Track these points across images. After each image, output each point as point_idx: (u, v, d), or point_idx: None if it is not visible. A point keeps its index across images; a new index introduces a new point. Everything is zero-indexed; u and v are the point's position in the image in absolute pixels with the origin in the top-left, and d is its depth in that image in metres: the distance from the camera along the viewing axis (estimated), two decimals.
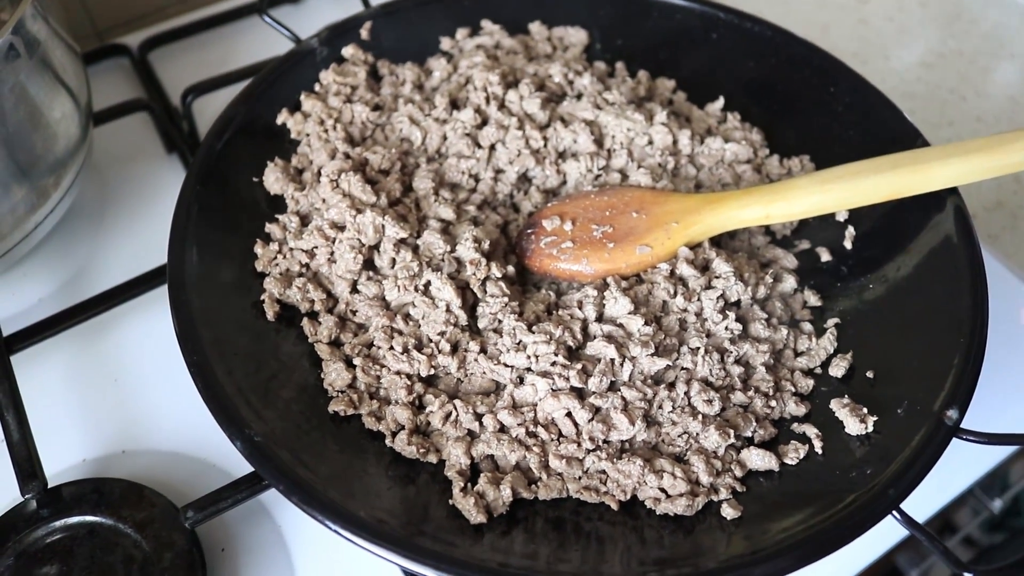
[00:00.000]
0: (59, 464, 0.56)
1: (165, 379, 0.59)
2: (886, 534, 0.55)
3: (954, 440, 0.46)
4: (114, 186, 0.73)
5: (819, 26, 0.97)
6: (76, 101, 0.64)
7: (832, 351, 0.54)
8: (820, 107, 0.65)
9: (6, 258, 0.61)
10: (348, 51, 0.66)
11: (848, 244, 0.59)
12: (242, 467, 0.51)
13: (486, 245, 0.54)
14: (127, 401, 0.59)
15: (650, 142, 0.62)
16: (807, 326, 0.56)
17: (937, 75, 0.91)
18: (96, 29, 0.94)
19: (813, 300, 0.57)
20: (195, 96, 0.74)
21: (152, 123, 0.77)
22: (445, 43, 0.69)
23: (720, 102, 0.67)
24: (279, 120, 0.63)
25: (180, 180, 0.71)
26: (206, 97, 0.76)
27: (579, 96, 0.64)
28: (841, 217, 0.60)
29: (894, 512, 0.44)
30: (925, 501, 0.57)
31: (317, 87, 0.65)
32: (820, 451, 0.49)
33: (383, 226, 0.54)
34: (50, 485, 0.52)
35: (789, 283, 0.57)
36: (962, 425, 0.47)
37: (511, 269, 0.55)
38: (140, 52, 0.83)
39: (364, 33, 0.67)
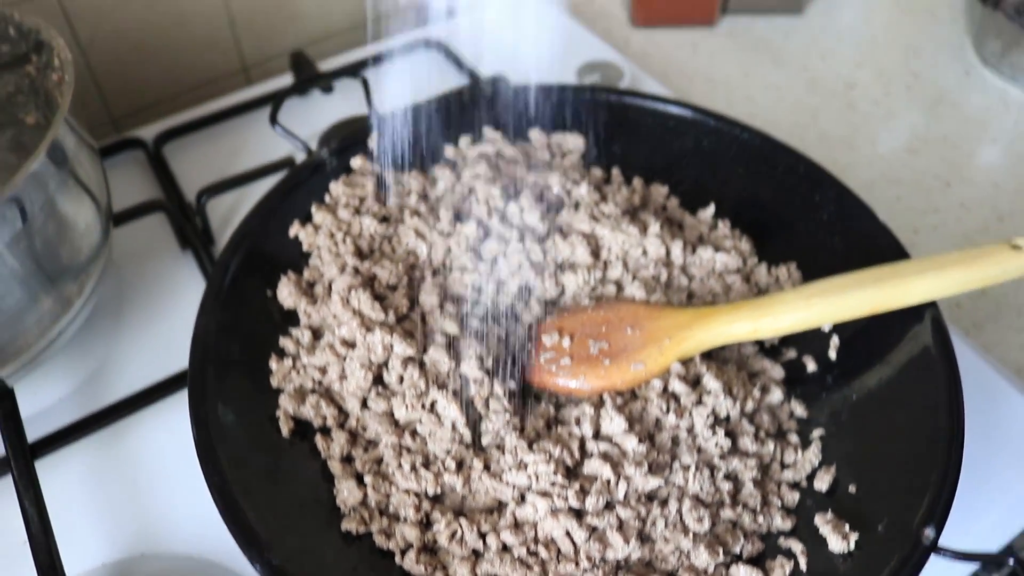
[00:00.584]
0: (78, 567, 0.58)
1: (183, 482, 0.62)
2: None
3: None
4: (130, 283, 0.76)
5: (809, 111, 1.00)
6: (98, 205, 0.66)
7: (817, 464, 0.57)
8: (806, 214, 0.67)
9: (30, 365, 0.63)
10: (356, 163, 0.69)
11: (833, 354, 0.62)
12: None
13: (489, 362, 0.57)
14: (146, 504, 0.62)
15: (644, 253, 0.65)
16: (794, 437, 0.59)
17: (923, 161, 0.94)
18: (112, 117, 0.97)
19: (799, 411, 0.60)
20: (209, 197, 0.77)
21: (167, 220, 0.80)
22: (448, 151, 0.72)
23: (711, 209, 0.70)
24: (291, 233, 0.66)
25: (194, 276, 0.75)
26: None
27: (577, 205, 0.68)
28: (826, 327, 0.63)
29: None
30: None
31: (327, 198, 0.68)
32: (805, 568, 0.51)
33: (391, 344, 0.57)
34: None
35: (776, 395, 0.60)
36: (941, 539, 0.49)
37: (512, 384, 0.58)
38: (155, 146, 0.87)
39: (371, 143, 0.70)
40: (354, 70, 0.91)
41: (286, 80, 0.95)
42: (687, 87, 1.03)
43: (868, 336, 0.61)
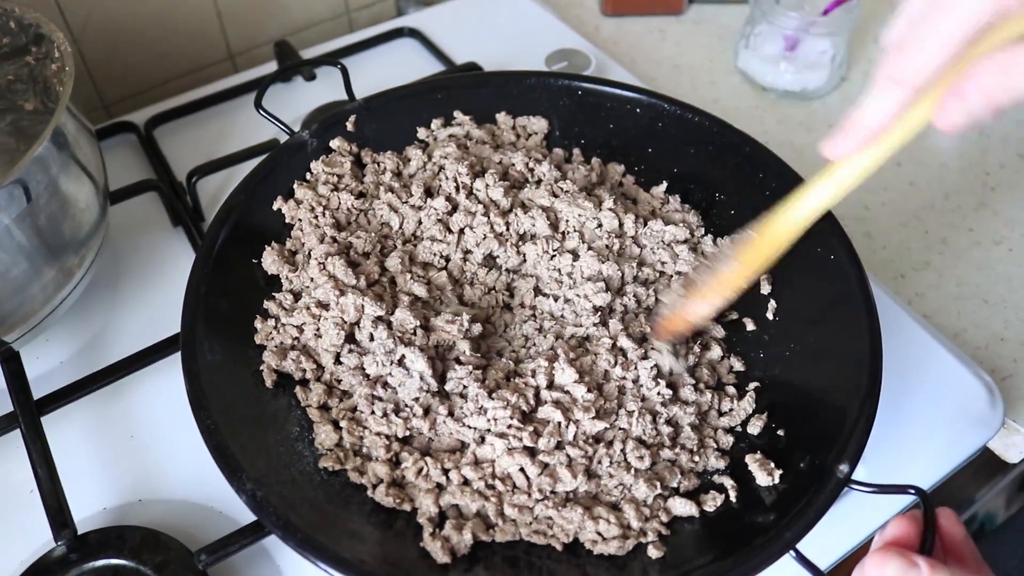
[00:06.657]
0: (82, 512, 0.64)
1: (176, 435, 0.68)
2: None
3: (855, 492, 0.55)
4: (125, 256, 0.82)
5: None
6: (96, 185, 0.71)
7: (751, 411, 0.63)
8: (750, 190, 0.73)
9: (34, 330, 0.69)
10: (335, 143, 0.75)
11: (770, 315, 0.68)
12: (246, 514, 0.59)
13: (465, 320, 0.63)
14: (142, 455, 0.68)
15: (599, 225, 0.70)
16: (731, 389, 0.64)
17: None
18: (104, 103, 1.02)
19: (738, 365, 0.66)
20: (198, 177, 0.83)
21: (159, 199, 0.85)
22: (421, 132, 0.78)
23: (663, 185, 0.76)
24: (275, 206, 0.71)
25: (185, 250, 0.80)
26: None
27: (539, 182, 0.73)
28: (765, 291, 0.69)
29: (792, 552, 0.52)
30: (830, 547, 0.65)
31: (308, 176, 0.74)
32: (735, 500, 0.57)
33: (363, 306, 0.63)
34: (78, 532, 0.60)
35: (716, 351, 0.66)
36: (861, 477, 0.55)
37: (477, 329, 0.64)
38: (146, 129, 0.92)
39: (349, 125, 0.76)
40: (335, 57, 0.97)
41: (270, 68, 1.00)
42: (654, 73, 1.08)
43: (803, 301, 0.67)
